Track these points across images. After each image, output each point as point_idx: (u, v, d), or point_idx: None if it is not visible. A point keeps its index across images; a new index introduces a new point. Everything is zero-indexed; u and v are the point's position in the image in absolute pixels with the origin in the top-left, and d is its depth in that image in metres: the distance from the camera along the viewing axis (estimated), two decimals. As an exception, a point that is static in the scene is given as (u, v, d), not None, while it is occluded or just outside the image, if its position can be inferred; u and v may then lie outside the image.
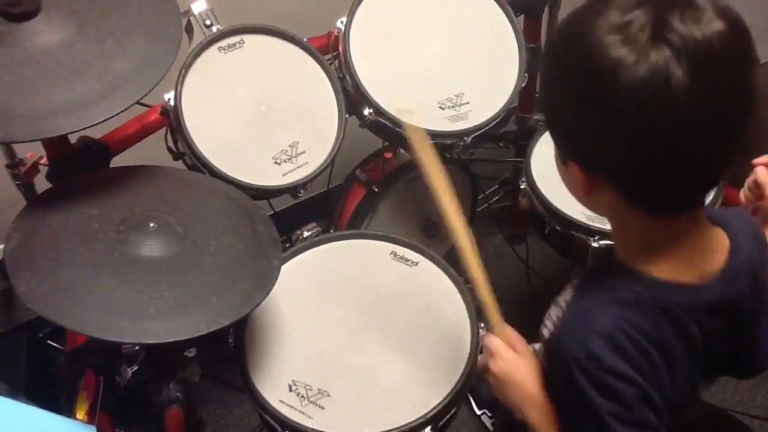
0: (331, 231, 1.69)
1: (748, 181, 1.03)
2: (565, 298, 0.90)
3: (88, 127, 1.08)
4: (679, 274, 0.81)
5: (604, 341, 0.78)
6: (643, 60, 0.67)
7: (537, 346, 1.51)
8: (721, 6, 0.69)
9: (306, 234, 1.59)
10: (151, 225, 1.07)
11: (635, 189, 0.76)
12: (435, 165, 1.05)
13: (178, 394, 1.52)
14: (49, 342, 1.73)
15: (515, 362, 0.94)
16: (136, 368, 1.48)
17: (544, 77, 0.81)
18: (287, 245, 1.47)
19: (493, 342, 0.96)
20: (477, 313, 1.26)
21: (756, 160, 1.02)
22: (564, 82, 0.76)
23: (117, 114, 1.09)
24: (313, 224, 1.63)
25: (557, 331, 0.87)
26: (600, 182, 0.77)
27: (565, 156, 0.80)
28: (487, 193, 2.09)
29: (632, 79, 0.67)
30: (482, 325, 1.25)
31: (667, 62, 0.66)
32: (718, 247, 0.84)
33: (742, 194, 1.04)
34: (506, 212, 2.18)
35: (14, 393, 1.42)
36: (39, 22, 1.08)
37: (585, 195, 0.80)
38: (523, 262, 2.01)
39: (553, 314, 0.92)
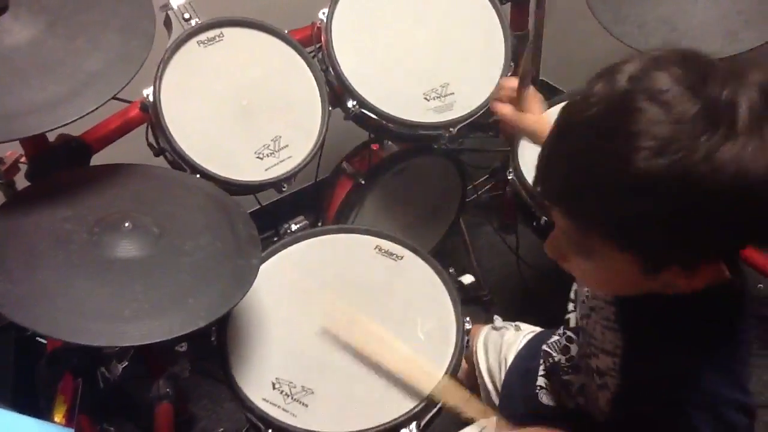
0: (320, 224, 1.68)
1: None
2: (614, 342, 0.87)
3: (63, 126, 1.06)
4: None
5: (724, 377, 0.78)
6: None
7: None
8: None
9: (294, 227, 1.58)
10: (126, 225, 1.05)
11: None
12: None
13: (168, 389, 1.51)
14: (37, 339, 1.72)
15: None
16: (126, 364, 1.47)
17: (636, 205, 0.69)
18: (275, 239, 1.46)
19: None
20: (462, 307, 1.25)
21: None
22: (679, 203, 0.67)
23: (91, 112, 1.07)
24: (301, 218, 1.62)
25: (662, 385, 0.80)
26: (702, 269, 0.74)
27: (661, 264, 0.74)
28: (476, 182, 2.07)
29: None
30: (467, 318, 1.24)
31: None
32: None
33: None
34: (496, 201, 2.16)
35: (1, 393, 1.41)
36: (7, 20, 1.06)
37: (690, 287, 0.75)
38: (514, 252, 1.99)
39: (601, 363, 0.89)
